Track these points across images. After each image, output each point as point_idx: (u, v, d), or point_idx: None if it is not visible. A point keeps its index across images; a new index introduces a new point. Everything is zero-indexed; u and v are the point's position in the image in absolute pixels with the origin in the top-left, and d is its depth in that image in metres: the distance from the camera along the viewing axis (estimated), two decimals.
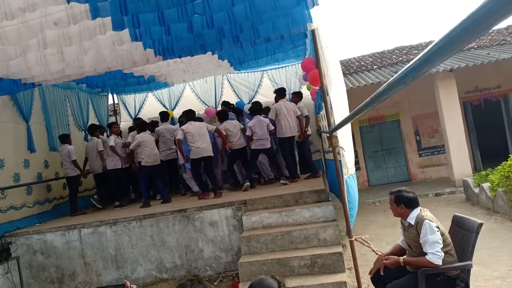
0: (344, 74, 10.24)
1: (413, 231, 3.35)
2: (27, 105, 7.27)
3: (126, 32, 4.25)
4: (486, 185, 7.32)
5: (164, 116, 8.59)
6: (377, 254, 5.19)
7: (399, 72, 1.42)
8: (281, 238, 5.05)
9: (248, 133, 7.22)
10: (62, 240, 6.07)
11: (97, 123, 9.02)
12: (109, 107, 10.90)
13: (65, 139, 7.47)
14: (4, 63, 4.35)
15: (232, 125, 7.53)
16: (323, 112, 7.60)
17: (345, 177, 4.81)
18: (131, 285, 2.24)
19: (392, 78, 1.53)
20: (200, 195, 6.90)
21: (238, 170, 7.89)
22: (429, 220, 3.23)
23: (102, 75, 6.95)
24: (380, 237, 6.59)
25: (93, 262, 5.95)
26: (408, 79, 1.40)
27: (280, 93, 7.64)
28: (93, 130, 7.90)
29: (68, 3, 2.98)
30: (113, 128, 7.95)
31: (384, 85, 1.70)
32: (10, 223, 6.45)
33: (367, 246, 6.22)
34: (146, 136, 7.25)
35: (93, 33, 3.78)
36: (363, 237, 6.58)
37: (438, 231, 3.19)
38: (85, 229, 6.03)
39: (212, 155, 7.09)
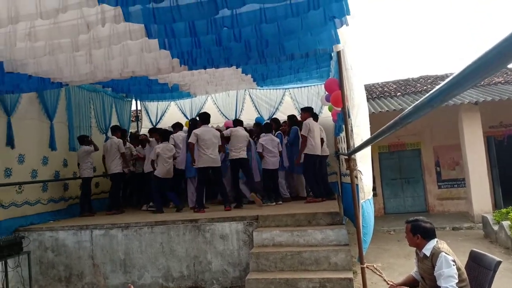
0: (367, 99, 10.17)
1: (428, 263, 3.24)
2: (52, 104, 7.46)
3: (155, 40, 4.35)
4: (506, 223, 7.08)
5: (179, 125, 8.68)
6: (388, 284, 5.03)
7: (427, 95, 1.39)
8: (291, 258, 4.97)
9: (259, 149, 7.22)
10: (73, 239, 6.12)
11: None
12: (132, 113, 11.09)
13: (83, 140, 7.61)
14: (36, 61, 4.49)
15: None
16: (342, 134, 7.57)
17: (361, 201, 4.73)
18: None
19: (419, 101, 1.50)
20: (196, 209, 6.84)
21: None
22: (446, 253, 3.13)
23: (127, 80, 7.11)
24: (393, 267, 6.41)
25: (102, 264, 5.96)
26: (436, 102, 1.37)
27: (308, 110, 7.58)
28: (115, 130, 8.02)
29: (99, 3, 3.06)
30: (155, 135, 8.03)
31: (410, 107, 1.67)
32: (24, 218, 6.56)
33: (378, 275, 6.05)
34: (166, 148, 7.32)
35: (122, 38, 3.87)
36: (375, 265, 6.40)
37: (454, 265, 3.08)
38: (97, 231, 6.07)
39: (220, 165, 7.04)
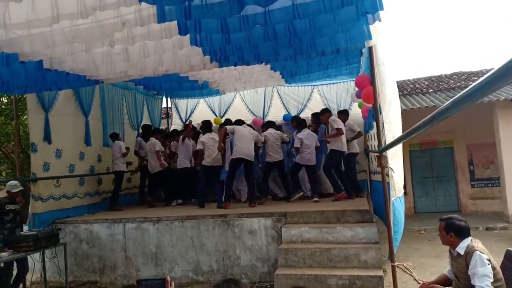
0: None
1: (462, 262, 3.18)
2: (87, 101, 7.72)
3: (186, 37, 4.43)
4: None
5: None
6: (419, 283, 4.95)
7: (468, 88, 1.38)
8: (319, 255, 4.97)
9: (296, 144, 7.17)
10: (107, 232, 6.33)
11: (150, 124, 9.39)
12: (162, 110, 11.31)
13: (115, 137, 7.88)
14: (73, 59, 4.67)
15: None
16: (373, 131, 7.46)
17: (392, 199, 4.67)
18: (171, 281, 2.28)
19: (459, 95, 1.48)
20: (222, 204, 6.91)
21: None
22: (480, 252, 3.06)
23: (159, 77, 7.26)
24: (424, 267, 6.29)
25: (134, 256, 6.14)
26: (477, 96, 1.36)
27: (327, 111, 7.58)
28: (156, 132, 8.34)
29: (140, 2, 3.15)
30: (189, 131, 8.22)
31: (449, 101, 1.65)
32: (61, 211, 6.83)
33: (409, 274, 5.95)
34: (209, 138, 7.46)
35: (158, 36, 3.97)
36: (405, 264, 6.29)
37: (489, 264, 3.00)
38: (129, 224, 6.25)
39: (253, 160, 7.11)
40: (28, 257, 5.68)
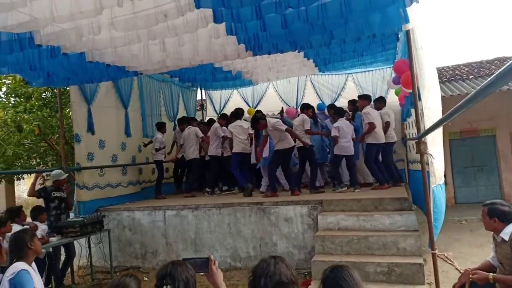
0: None
1: (506, 248, 3.09)
2: (126, 93, 7.98)
3: (222, 26, 4.49)
4: None
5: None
6: (461, 272, 4.83)
7: None
8: (357, 242, 4.94)
9: (334, 133, 7.05)
10: (148, 219, 6.56)
11: (186, 115, 9.59)
12: (197, 102, 11.52)
13: (161, 127, 8.09)
14: (113, 51, 4.84)
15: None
16: (410, 119, 7.28)
17: (432, 186, 4.56)
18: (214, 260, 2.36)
19: (505, 66, 1.43)
20: (269, 193, 6.89)
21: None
22: None
23: (194, 69, 7.39)
24: (465, 257, 6.11)
25: (174, 242, 6.34)
26: None
27: (367, 98, 7.36)
28: (191, 120, 8.54)
29: None
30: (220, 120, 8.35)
31: (494, 75, 1.60)
32: (105, 200, 7.13)
33: (450, 263, 5.81)
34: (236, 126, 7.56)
35: (195, 26, 4.04)
36: (446, 254, 6.16)
37: None
38: (169, 211, 6.45)
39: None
40: (75, 242, 6.00)
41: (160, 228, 6.48)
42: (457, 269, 5.49)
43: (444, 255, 6.11)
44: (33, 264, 3.34)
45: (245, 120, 8.04)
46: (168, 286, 1.92)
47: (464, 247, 6.68)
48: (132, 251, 6.66)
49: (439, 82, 10.78)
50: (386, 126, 7.28)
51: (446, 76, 11.53)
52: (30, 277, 3.09)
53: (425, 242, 5.07)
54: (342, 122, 7.07)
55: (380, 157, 7.22)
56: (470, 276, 3.25)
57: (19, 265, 3.10)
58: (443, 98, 8.61)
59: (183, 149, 8.17)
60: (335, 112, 7.51)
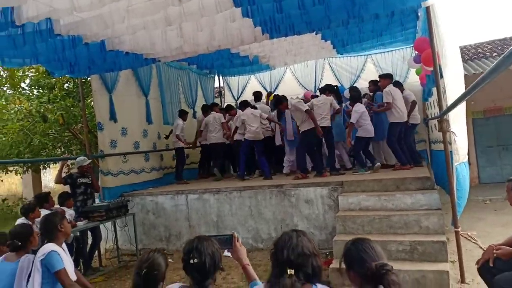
0: None
1: None
2: (146, 81, 8.10)
3: (238, 9, 4.48)
4: None
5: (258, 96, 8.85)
6: (484, 250, 4.78)
7: None
8: (378, 222, 4.93)
9: (356, 117, 6.96)
10: (171, 203, 6.70)
11: (205, 103, 9.67)
12: (215, 89, 11.56)
13: (183, 114, 8.22)
14: (132, 38, 4.91)
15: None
16: (432, 98, 7.15)
17: (455, 164, 4.50)
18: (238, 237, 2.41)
19: None
20: (299, 175, 6.86)
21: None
22: None
23: (211, 55, 7.42)
24: (489, 236, 6.03)
25: (197, 225, 6.47)
26: None
27: (389, 77, 7.15)
28: (213, 106, 8.62)
29: None
30: (232, 111, 8.45)
31: None
32: (128, 186, 7.31)
33: (473, 242, 5.76)
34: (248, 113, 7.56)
35: (212, 11, 4.06)
36: (469, 233, 6.10)
37: None
38: (191, 195, 6.58)
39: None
40: (101, 226, 6.19)
41: (183, 211, 6.62)
42: (480, 247, 5.44)
43: (467, 234, 6.05)
44: (64, 245, 3.47)
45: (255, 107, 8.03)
46: (195, 260, 1.99)
47: (488, 227, 6.59)
48: (157, 234, 6.84)
49: (462, 60, 10.55)
50: (412, 106, 7.21)
51: (469, 54, 11.20)
52: (60, 258, 3.22)
53: (448, 222, 5.02)
54: (361, 105, 7.03)
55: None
56: (494, 251, 3.22)
57: (50, 246, 3.23)
58: (466, 76, 8.39)
59: (204, 135, 8.27)
60: (352, 96, 7.42)
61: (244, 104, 7.92)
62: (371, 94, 7.77)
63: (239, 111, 7.92)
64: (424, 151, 8.60)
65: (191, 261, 1.99)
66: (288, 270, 1.90)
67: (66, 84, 9.94)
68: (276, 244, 2.03)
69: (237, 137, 7.86)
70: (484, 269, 3.34)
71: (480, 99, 9.47)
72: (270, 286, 1.89)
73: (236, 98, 11.07)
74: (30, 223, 4.37)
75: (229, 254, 5.57)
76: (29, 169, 11.71)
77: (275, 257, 2.00)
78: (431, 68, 5.09)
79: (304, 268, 1.92)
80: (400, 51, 9.18)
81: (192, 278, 2.02)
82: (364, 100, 7.63)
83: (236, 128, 7.70)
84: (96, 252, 6.32)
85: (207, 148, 8.51)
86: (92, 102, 8.11)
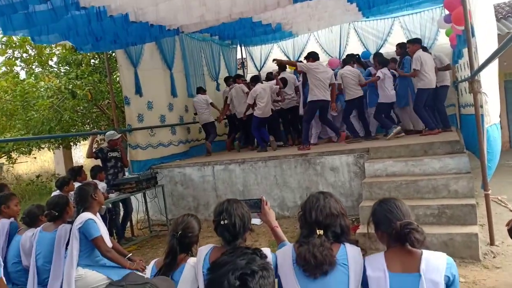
0: None
1: None
2: (170, 54, 8.12)
3: None
4: None
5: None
6: None
7: None
8: (406, 187, 4.89)
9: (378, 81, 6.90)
10: (198, 174, 6.84)
11: (227, 74, 9.64)
12: (238, 61, 11.48)
13: (200, 90, 8.25)
14: (155, 9, 4.91)
15: None
16: (462, 61, 6.88)
17: (486, 126, 4.37)
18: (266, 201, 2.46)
19: None
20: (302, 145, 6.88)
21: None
22: None
23: (233, 25, 7.34)
24: None
25: (224, 195, 6.60)
26: None
27: (417, 42, 6.87)
28: (237, 78, 8.56)
29: None
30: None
31: None
32: (157, 159, 7.48)
33: (503, 206, 5.66)
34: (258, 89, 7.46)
35: None
36: (499, 197, 5.98)
37: None
38: (217, 166, 6.69)
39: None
40: (132, 198, 6.41)
41: (210, 182, 6.76)
42: (510, 210, 5.35)
43: (497, 198, 5.94)
44: (98, 215, 3.63)
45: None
46: (225, 221, 2.06)
47: None
48: (185, 204, 7.03)
49: (495, 19, 10.04)
50: (446, 68, 7.09)
51: (502, 13, 10.62)
52: (97, 226, 3.38)
53: (477, 187, 4.94)
54: (386, 71, 6.90)
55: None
56: None
57: (86, 215, 3.39)
58: (499, 36, 8.03)
59: (232, 107, 8.31)
60: (379, 61, 7.26)
61: (255, 79, 7.87)
62: (398, 58, 7.53)
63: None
64: (453, 116, 8.36)
65: (222, 222, 2.06)
66: (318, 231, 1.94)
67: (93, 60, 10.09)
68: (304, 206, 2.07)
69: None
70: None
71: None
72: (299, 246, 1.94)
73: (259, 69, 10.98)
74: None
75: (256, 222, 5.68)
76: (61, 146, 12.11)
77: (303, 219, 2.05)
78: (462, 27, 4.88)
79: (332, 228, 1.96)
80: (429, 12, 8.79)
81: (223, 238, 2.10)
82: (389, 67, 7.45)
83: (249, 105, 7.62)
84: (128, 223, 6.57)
85: (235, 120, 8.54)
86: (118, 78, 8.23)
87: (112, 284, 1.05)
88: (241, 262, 1.14)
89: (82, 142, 13.49)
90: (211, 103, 8.12)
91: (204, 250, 2.15)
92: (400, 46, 7.44)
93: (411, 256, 1.85)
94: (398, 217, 1.91)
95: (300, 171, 6.11)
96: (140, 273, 3.17)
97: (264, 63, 10.98)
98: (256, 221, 5.70)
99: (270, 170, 6.30)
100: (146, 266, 2.64)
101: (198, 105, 8.12)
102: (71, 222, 3.47)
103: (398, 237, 1.85)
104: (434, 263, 1.80)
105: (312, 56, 6.89)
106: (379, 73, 6.95)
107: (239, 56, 11.39)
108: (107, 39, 5.80)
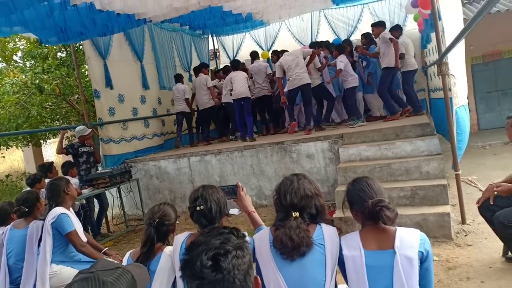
0: None
1: None
2: (139, 45, 7.93)
3: None
4: None
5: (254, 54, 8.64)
6: None
7: None
8: (379, 170, 4.98)
9: (339, 66, 6.95)
10: (174, 166, 6.76)
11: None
12: (210, 52, 11.35)
13: (177, 78, 8.06)
14: None
15: None
16: (430, 45, 7.02)
17: (455, 107, 4.49)
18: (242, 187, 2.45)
19: None
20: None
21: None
22: None
23: (203, 14, 7.24)
24: (489, 179, 5.98)
25: None
26: None
27: (381, 24, 6.91)
28: (201, 68, 8.27)
29: None
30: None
31: None
32: (131, 153, 7.34)
33: (473, 186, 5.85)
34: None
35: None
36: (469, 178, 6.18)
37: None
38: (193, 157, 6.63)
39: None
40: (107, 193, 6.29)
41: (186, 174, 6.69)
42: (480, 190, 5.52)
43: (467, 178, 6.13)
44: (71, 209, 3.53)
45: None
46: (201, 206, 2.03)
47: (487, 170, 6.67)
48: (162, 198, 6.94)
49: (461, 4, 10.27)
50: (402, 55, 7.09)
51: None
52: (70, 220, 3.29)
53: (448, 169, 5.08)
54: (343, 58, 7.03)
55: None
56: (495, 188, 3.27)
57: (59, 210, 3.29)
58: (465, 20, 8.24)
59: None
60: (337, 49, 7.37)
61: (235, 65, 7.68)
62: (364, 47, 7.58)
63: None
64: (423, 100, 8.55)
65: (198, 208, 2.04)
66: (293, 213, 1.95)
67: (59, 53, 9.76)
68: (279, 189, 2.07)
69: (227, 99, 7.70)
70: (485, 208, 3.41)
71: (479, 44, 9.32)
72: (276, 229, 1.94)
73: (231, 59, 10.88)
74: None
75: (234, 212, 5.66)
76: (30, 143, 11.73)
77: (278, 202, 2.05)
78: (429, 11, 4.97)
79: (308, 209, 1.97)
80: None
81: (199, 224, 2.08)
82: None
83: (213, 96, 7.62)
84: (104, 219, 6.45)
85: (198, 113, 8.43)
86: (87, 71, 8.00)
87: (81, 272, 1.01)
88: (215, 242, 1.13)
89: (52, 139, 13.09)
90: (186, 99, 7.97)
91: (180, 238, 2.12)
92: (365, 36, 7.50)
93: (385, 233, 1.88)
94: (370, 196, 1.93)
95: (277, 159, 6.13)
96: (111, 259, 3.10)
97: (237, 52, 10.91)
98: (234, 211, 5.70)
99: (246, 160, 6.29)
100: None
101: (176, 94, 7.95)
102: (44, 220, 3.37)
103: (370, 215, 1.88)
104: (408, 239, 1.84)
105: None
106: (339, 64, 6.96)
107: (211, 46, 11.27)
108: (73, 31, 5.61)
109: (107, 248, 3.75)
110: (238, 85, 7.10)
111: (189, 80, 9.51)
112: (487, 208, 3.38)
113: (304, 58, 6.77)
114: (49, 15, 4.65)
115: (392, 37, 6.51)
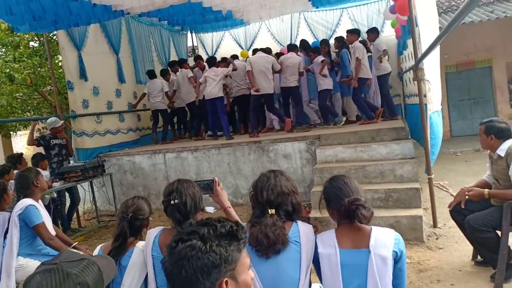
0: None
1: (502, 163, 3.16)
2: (116, 38, 7.76)
3: None
4: None
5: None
6: None
7: None
8: (355, 172, 5.03)
9: (325, 71, 7.05)
10: (149, 162, 6.64)
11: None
12: (189, 49, 11.23)
13: (153, 74, 7.88)
14: None
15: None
16: (407, 52, 7.16)
17: (429, 112, 4.59)
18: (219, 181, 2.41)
19: None
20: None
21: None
22: None
23: (183, 10, 7.13)
24: (460, 184, 6.11)
25: None
26: None
27: (356, 32, 7.06)
28: (181, 63, 8.18)
29: None
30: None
31: None
32: (105, 147, 7.18)
33: (445, 191, 6.00)
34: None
35: None
36: (441, 183, 6.33)
37: None
38: (169, 154, 6.53)
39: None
40: (79, 187, 6.11)
41: (161, 170, 6.58)
42: (452, 195, 5.66)
43: (439, 183, 6.29)
44: (40, 201, 3.41)
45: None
46: (176, 200, 1.98)
47: (459, 176, 6.85)
48: (136, 194, 6.68)
49: (437, 13, 10.51)
50: (383, 54, 7.19)
51: (443, 7, 11.20)
52: (38, 212, 3.18)
53: (421, 173, 5.19)
54: (321, 57, 7.13)
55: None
56: (466, 193, 3.34)
57: (27, 201, 3.18)
58: (440, 29, 8.45)
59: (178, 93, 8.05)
60: (312, 50, 7.48)
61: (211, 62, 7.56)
62: (336, 50, 7.63)
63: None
64: (398, 106, 8.73)
65: (172, 201, 1.99)
66: (269, 210, 1.92)
67: (32, 43, 9.44)
68: (255, 185, 2.04)
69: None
70: (456, 212, 3.48)
71: (453, 53, 9.60)
72: (252, 226, 1.91)
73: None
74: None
75: (210, 210, 5.56)
76: None
77: (255, 199, 2.02)
78: (406, 17, 5.07)
79: (284, 206, 1.94)
80: (376, 4, 9.10)
81: (173, 219, 2.03)
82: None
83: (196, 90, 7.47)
84: (75, 214, 6.27)
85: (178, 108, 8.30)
86: (60, 62, 7.77)
87: (44, 264, 0.95)
88: (200, 229, 1.09)
89: (23, 130, 12.64)
90: (166, 93, 7.82)
91: (153, 232, 2.07)
92: (338, 40, 7.56)
93: (360, 232, 1.88)
94: (347, 194, 1.93)
95: (254, 158, 6.11)
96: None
97: (216, 50, 10.83)
98: (209, 209, 5.64)
99: (223, 158, 6.25)
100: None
101: (151, 90, 7.77)
102: (11, 212, 3.25)
103: (347, 213, 1.87)
104: (383, 239, 1.84)
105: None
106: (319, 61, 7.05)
107: (190, 43, 11.15)
108: (47, 19, 5.42)
109: (77, 242, 3.64)
110: (210, 85, 7.02)
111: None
112: (458, 212, 3.46)
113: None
114: (22, 2, 4.46)
115: (358, 56, 6.62)
